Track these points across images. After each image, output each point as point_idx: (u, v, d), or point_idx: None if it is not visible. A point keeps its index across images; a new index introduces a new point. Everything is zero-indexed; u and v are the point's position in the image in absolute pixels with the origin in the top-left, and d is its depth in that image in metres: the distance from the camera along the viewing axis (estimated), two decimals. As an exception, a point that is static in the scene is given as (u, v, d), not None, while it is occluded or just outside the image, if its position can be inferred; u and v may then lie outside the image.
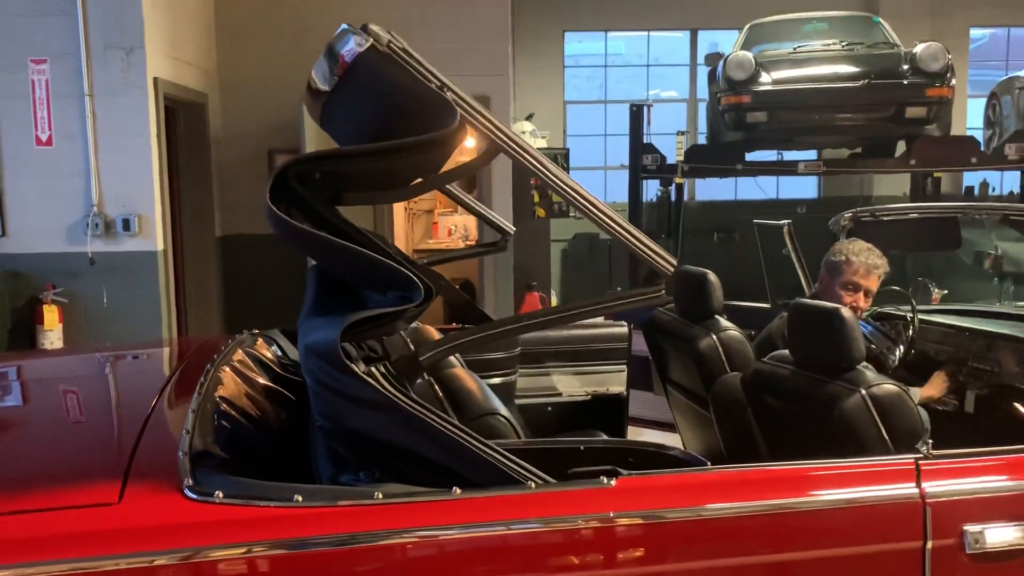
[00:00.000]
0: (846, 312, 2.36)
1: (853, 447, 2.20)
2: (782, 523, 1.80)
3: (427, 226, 10.90)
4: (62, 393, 2.48)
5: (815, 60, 7.44)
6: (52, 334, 5.17)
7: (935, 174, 8.99)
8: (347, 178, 1.97)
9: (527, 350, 3.67)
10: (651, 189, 11.26)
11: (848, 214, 3.73)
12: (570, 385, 3.75)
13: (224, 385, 2.34)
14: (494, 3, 6.68)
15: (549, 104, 11.80)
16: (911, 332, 3.47)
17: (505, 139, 1.87)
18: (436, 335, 3.06)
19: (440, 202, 11.31)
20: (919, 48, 7.02)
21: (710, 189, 12.10)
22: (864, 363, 2.95)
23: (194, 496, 1.64)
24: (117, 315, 5.33)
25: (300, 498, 1.66)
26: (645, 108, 7.48)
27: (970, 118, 12.56)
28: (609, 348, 3.76)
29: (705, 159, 7.54)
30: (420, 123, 1.82)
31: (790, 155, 9.43)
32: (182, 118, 6.16)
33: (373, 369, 1.75)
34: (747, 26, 8.73)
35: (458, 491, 1.70)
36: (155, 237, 5.33)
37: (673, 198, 10.76)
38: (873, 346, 3.70)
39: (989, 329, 3.39)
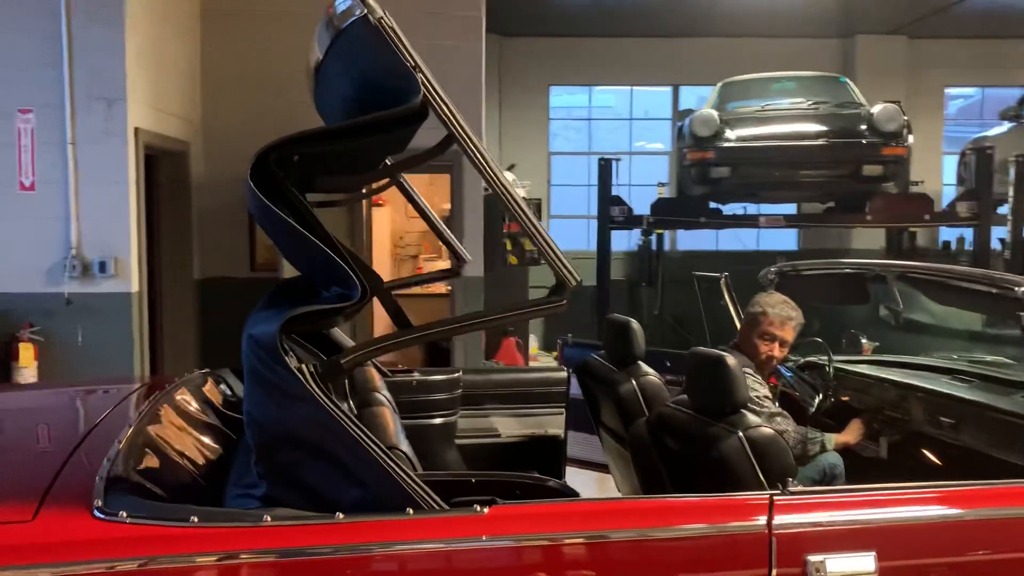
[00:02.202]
0: (730, 360, 2.56)
1: (731, 484, 2.38)
2: (639, 551, 1.97)
3: (412, 270, 11.15)
4: (3, 423, 2.67)
5: (779, 118, 7.73)
6: (27, 371, 5.36)
7: (910, 229, 9.27)
8: (320, 160, 2.10)
9: (469, 392, 3.85)
10: (633, 239, 11.55)
11: (774, 268, 3.95)
12: (509, 427, 3.91)
13: (161, 420, 2.53)
14: (469, 64, 7.04)
15: (534, 155, 12.12)
16: (826, 381, 3.66)
17: (460, 130, 1.96)
18: (378, 379, 3.25)
19: (426, 248, 11.58)
20: (876, 109, 7.31)
21: (692, 239, 12.35)
22: (777, 408, 3.14)
23: (101, 516, 1.82)
24: (91, 354, 5.52)
25: (196, 519, 1.84)
26: (614, 162, 7.75)
27: (947, 175, 12.88)
28: (548, 392, 3.93)
29: (671, 212, 7.79)
30: (390, 99, 1.92)
31: (769, 209, 9.71)
32: (164, 165, 6.42)
33: (304, 366, 1.92)
34: (720, 84, 9.05)
35: (341, 516, 1.89)
36: (130, 279, 5.54)
37: (654, 248, 11.05)
38: (796, 393, 3.90)
39: (901, 380, 3.58)
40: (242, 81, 6.98)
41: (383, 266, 10.44)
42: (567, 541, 1.94)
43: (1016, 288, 2.57)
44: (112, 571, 1.76)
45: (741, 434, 2.43)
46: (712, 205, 8.50)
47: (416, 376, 3.73)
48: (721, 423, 2.52)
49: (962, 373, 3.55)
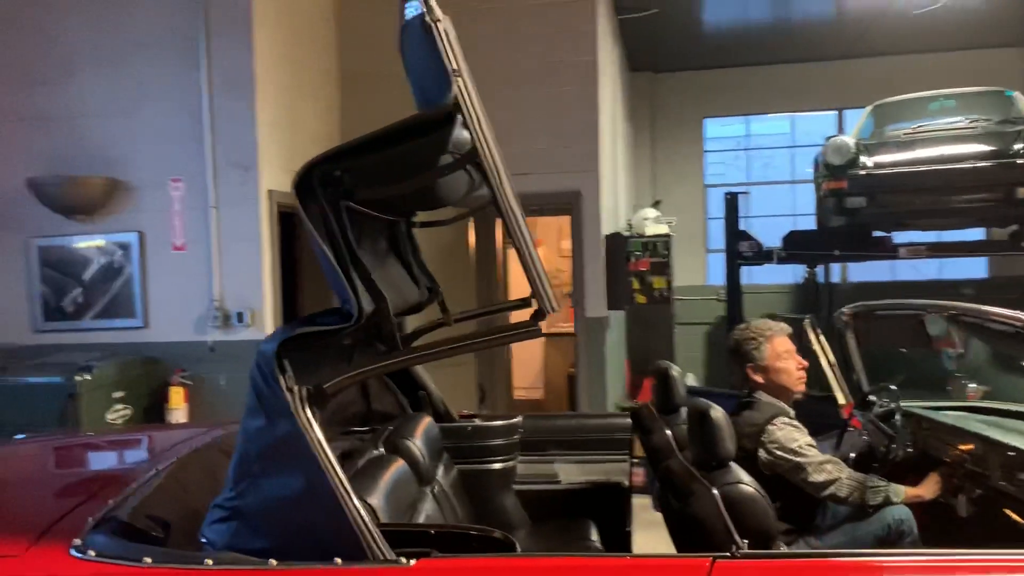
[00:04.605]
0: (714, 412, 2.47)
1: (704, 542, 2.29)
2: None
3: (564, 312, 11.28)
4: (72, 462, 3.05)
5: (928, 141, 7.18)
6: (178, 412, 5.97)
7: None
8: (362, 172, 2.15)
9: (532, 439, 3.90)
10: (799, 272, 11.04)
11: (847, 310, 3.72)
12: (571, 473, 3.91)
13: (195, 463, 2.80)
14: (585, 108, 7.10)
15: (689, 189, 11.94)
16: (893, 430, 3.39)
17: (483, 139, 2.00)
18: (421, 429, 3.36)
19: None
20: (1032, 125, 6.64)
21: (864, 271, 11.63)
22: (825, 456, 2.97)
23: (76, 554, 2.07)
24: (233, 396, 6.05)
25: (149, 560, 2.05)
26: (740, 196, 7.52)
27: None
28: (611, 439, 3.90)
29: (805, 245, 7.42)
30: (429, 98, 2.02)
31: (952, 235, 8.90)
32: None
33: (295, 388, 2.07)
34: (871, 106, 8.55)
35: (274, 563, 2.03)
36: (265, 328, 6.04)
37: (820, 280, 10.51)
38: (870, 439, 3.64)
39: (980, 431, 3.25)
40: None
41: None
42: (486, 596, 1.97)
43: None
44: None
45: (716, 491, 2.34)
46: (876, 233, 8.00)
47: (475, 422, 3.84)
48: (705, 478, 2.44)
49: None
